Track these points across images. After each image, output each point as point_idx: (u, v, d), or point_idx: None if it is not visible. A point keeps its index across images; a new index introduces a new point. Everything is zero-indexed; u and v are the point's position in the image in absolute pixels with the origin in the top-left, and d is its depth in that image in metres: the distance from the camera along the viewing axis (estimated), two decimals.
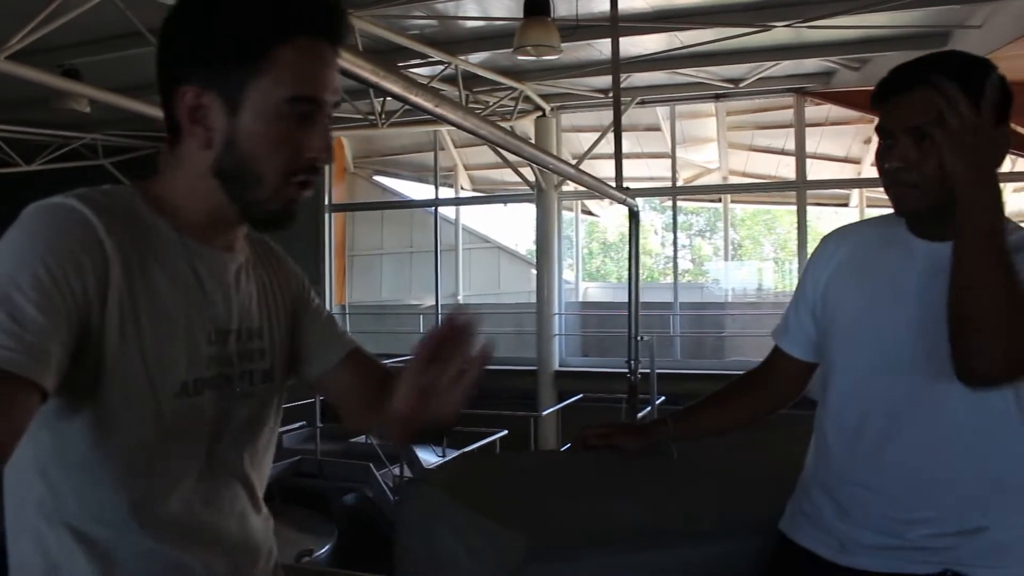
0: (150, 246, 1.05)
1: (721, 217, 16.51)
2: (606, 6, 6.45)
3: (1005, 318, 1.27)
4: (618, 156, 6.38)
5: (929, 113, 1.36)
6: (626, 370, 6.98)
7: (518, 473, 1.79)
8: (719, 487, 1.83)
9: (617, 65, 6.41)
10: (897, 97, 1.42)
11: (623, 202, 6.44)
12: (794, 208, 10.81)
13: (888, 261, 1.52)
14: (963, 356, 1.31)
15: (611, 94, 6.66)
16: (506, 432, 7.40)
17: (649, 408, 7.43)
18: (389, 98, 2.95)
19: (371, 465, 7.48)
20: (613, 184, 6.34)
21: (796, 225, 10.72)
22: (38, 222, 0.98)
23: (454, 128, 3.83)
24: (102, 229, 0.99)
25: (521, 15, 6.60)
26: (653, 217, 20.58)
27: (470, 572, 1.40)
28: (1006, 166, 10.35)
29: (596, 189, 6.18)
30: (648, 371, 7.57)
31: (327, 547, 6.14)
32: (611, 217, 18.14)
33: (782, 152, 11.34)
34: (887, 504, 1.47)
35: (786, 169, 11.12)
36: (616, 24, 6.32)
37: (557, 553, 1.48)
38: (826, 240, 1.66)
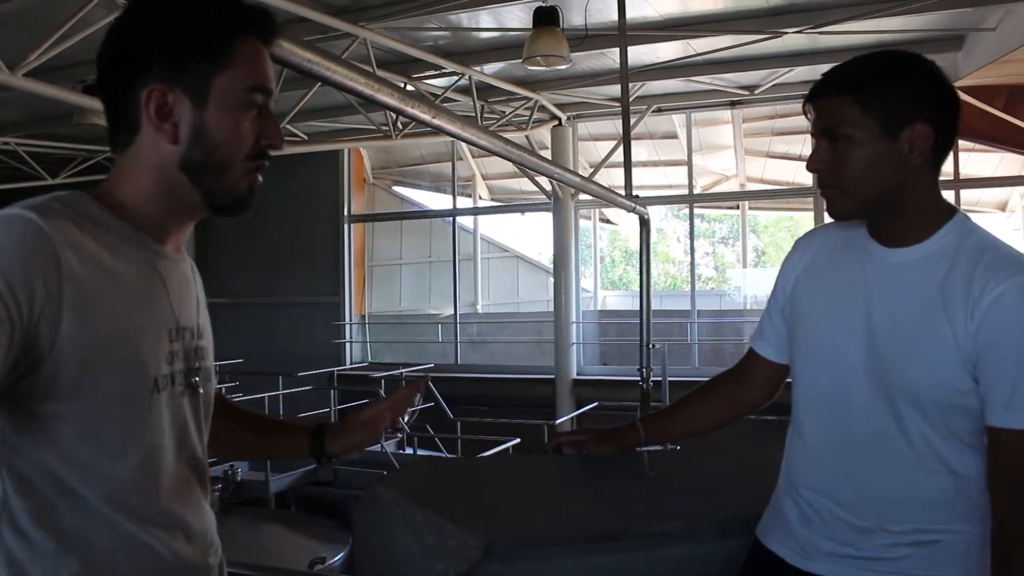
0: (111, 248, 1.08)
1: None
2: (616, 15, 6.46)
3: None
4: (627, 164, 6.38)
5: (839, 115, 1.40)
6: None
7: (481, 475, 1.81)
8: (689, 490, 1.83)
9: (626, 74, 6.42)
10: (814, 101, 1.46)
11: (632, 210, 6.44)
12: (812, 215, 10.77)
13: (846, 266, 1.53)
14: None
15: None
16: (519, 440, 7.40)
17: None
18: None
19: (385, 473, 7.47)
20: (623, 192, 6.35)
21: None
22: None
23: None
24: (58, 239, 1.01)
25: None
26: (676, 225, 20.46)
27: (426, 571, 1.42)
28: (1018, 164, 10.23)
29: (605, 198, 6.19)
30: (660, 379, 7.54)
31: (341, 554, 6.16)
32: (632, 225, 18.03)
33: (799, 158, 11.28)
34: (846, 514, 1.49)
35: (805, 175, 11.06)
36: (624, 33, 6.33)
37: (514, 552, 1.49)
38: (798, 242, 1.68)
